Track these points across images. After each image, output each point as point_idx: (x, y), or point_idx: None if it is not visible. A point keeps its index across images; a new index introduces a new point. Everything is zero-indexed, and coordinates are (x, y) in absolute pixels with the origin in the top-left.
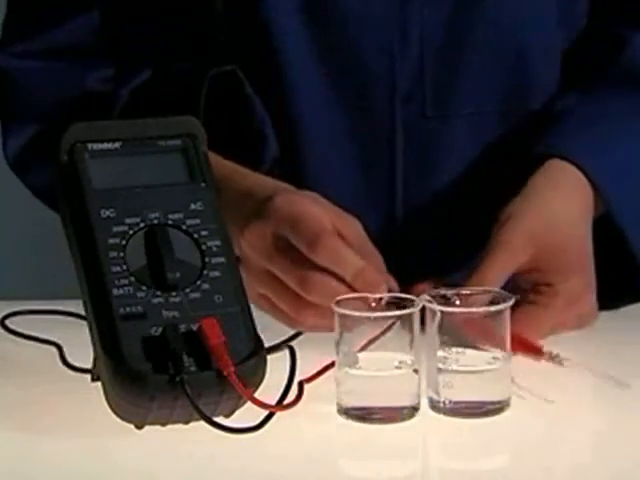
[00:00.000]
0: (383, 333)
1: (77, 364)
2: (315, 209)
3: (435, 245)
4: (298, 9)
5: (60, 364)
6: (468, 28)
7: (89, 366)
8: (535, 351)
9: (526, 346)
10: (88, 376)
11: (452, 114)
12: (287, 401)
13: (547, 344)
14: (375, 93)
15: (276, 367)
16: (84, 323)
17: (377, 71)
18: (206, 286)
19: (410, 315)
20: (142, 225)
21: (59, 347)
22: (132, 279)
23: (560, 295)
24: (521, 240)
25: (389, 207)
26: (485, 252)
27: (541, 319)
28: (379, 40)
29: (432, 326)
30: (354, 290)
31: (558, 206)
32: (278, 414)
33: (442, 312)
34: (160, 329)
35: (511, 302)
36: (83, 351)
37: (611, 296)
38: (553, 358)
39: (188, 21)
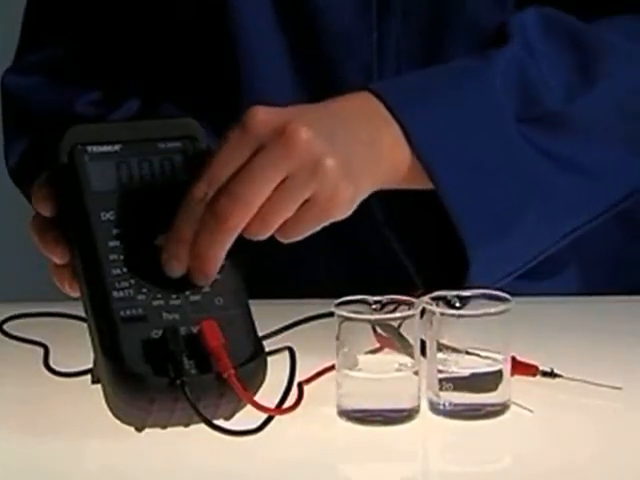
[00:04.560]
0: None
1: (74, 366)
2: None
3: (423, 250)
4: (273, 27)
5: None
6: (444, 44)
7: (80, 368)
8: (531, 371)
9: (522, 367)
10: (87, 378)
11: None
12: (287, 403)
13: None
14: None
15: (276, 369)
16: (83, 325)
17: (355, 87)
18: (206, 289)
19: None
20: (142, 227)
21: (46, 349)
22: (132, 281)
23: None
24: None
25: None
26: None
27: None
28: (357, 56)
29: (432, 328)
30: None
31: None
32: (278, 416)
33: (441, 314)
34: (160, 332)
35: (511, 303)
36: (81, 353)
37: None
38: (549, 374)
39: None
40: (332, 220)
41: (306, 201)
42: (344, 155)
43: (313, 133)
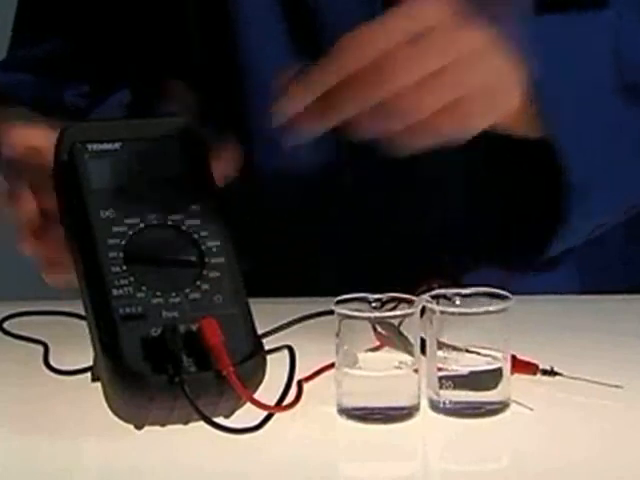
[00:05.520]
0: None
1: (74, 364)
2: None
3: (427, 251)
4: (278, 28)
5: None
6: None
7: (80, 366)
8: (532, 369)
9: (522, 366)
10: (87, 376)
11: None
12: (287, 401)
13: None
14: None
15: (275, 367)
16: (83, 323)
17: None
18: (206, 286)
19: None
20: (142, 225)
21: (46, 348)
22: (132, 279)
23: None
24: None
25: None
26: None
27: None
28: None
29: (432, 326)
30: None
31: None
32: (278, 414)
33: (442, 312)
34: (159, 329)
35: (512, 301)
36: (81, 351)
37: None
38: (549, 373)
39: (162, 45)
40: (452, 137)
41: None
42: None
43: None
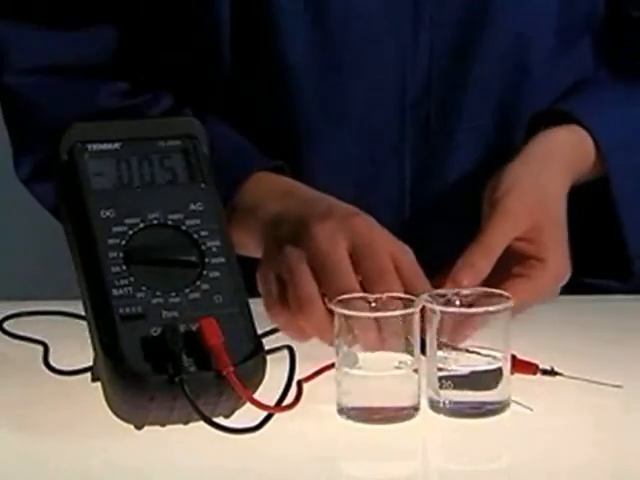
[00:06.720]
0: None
1: (74, 364)
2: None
3: (442, 244)
4: (307, 25)
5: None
6: (475, 41)
7: (80, 366)
8: (531, 369)
9: (522, 366)
10: (87, 376)
11: (455, 127)
12: (287, 401)
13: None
14: (385, 104)
15: (275, 367)
16: (83, 323)
17: (388, 82)
18: (206, 286)
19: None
20: (142, 225)
21: (46, 348)
22: (132, 279)
23: (550, 270)
24: (522, 210)
25: (398, 210)
26: (487, 219)
27: (530, 293)
28: (391, 52)
29: (432, 326)
30: None
31: (551, 183)
32: (278, 414)
33: (442, 312)
34: (159, 329)
35: (510, 303)
36: (81, 351)
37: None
38: (549, 373)
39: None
40: None
41: None
42: None
43: None
